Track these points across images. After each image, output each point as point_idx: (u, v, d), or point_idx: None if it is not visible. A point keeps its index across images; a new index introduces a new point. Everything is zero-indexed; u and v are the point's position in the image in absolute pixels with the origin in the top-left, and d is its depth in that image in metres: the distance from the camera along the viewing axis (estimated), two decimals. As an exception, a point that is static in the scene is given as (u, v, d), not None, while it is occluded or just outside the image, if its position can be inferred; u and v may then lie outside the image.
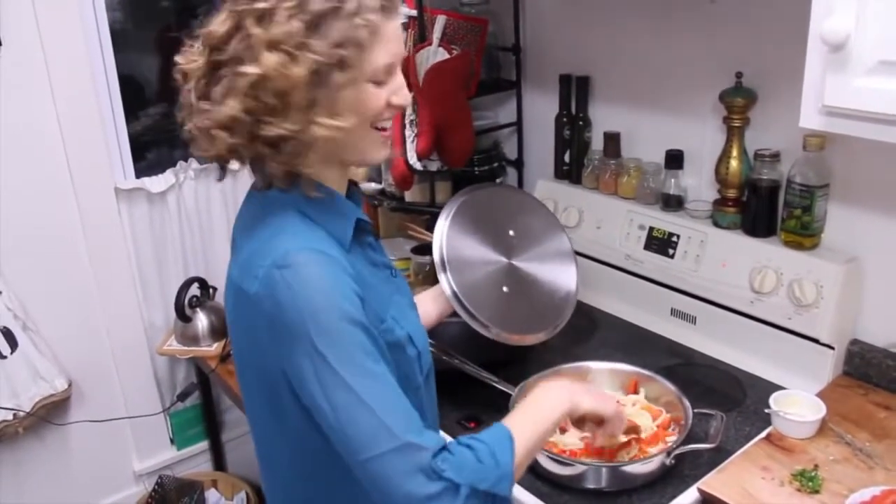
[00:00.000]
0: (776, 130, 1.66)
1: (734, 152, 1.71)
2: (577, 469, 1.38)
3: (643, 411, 1.53)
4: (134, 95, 2.23)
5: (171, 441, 2.46)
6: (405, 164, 2.04)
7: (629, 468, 1.38)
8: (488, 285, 1.53)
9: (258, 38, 0.93)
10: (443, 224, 1.54)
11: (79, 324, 2.18)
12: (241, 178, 2.26)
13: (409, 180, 2.09)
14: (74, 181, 2.07)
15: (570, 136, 2.11)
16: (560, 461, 1.39)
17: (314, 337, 0.94)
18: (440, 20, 2.01)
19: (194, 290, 2.23)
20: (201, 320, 2.21)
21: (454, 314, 1.50)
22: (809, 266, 1.60)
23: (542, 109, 2.19)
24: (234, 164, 1.07)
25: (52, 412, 2.14)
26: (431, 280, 2.26)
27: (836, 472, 1.36)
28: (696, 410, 1.46)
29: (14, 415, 2.03)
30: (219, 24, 0.96)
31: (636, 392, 1.59)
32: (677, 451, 1.38)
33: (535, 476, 1.42)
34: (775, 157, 1.65)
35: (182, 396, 2.39)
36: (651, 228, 1.88)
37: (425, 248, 2.27)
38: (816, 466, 1.37)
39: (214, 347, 2.19)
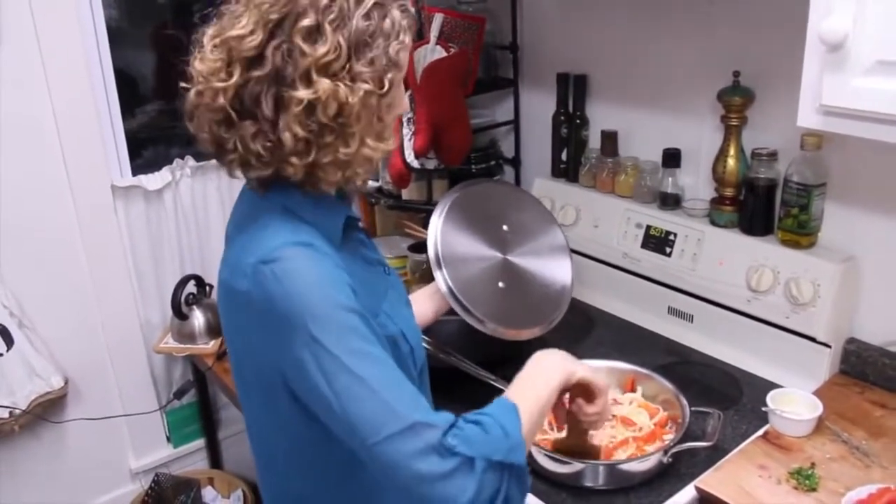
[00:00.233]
0: (773, 129, 1.66)
1: (731, 151, 1.71)
2: (574, 467, 1.38)
3: (640, 409, 1.53)
4: (130, 92, 2.22)
5: (168, 439, 2.46)
6: (402, 163, 2.04)
7: (626, 466, 1.38)
8: (484, 281, 1.53)
9: (311, 59, 0.92)
10: (437, 221, 1.54)
11: (75, 321, 2.17)
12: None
13: (406, 178, 2.09)
14: (71, 178, 2.06)
15: (567, 135, 2.11)
16: (558, 459, 1.39)
17: (310, 326, 0.93)
18: (437, 18, 2.01)
19: (191, 287, 2.22)
20: (198, 318, 2.21)
21: (450, 312, 1.50)
22: (806, 265, 1.60)
23: (539, 108, 2.19)
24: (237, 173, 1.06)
25: (48, 410, 2.14)
26: (428, 278, 2.25)
27: (832, 470, 1.37)
28: (693, 409, 1.46)
29: (10, 413, 2.03)
30: (245, 29, 0.94)
31: (633, 390, 1.59)
32: (674, 450, 1.38)
33: (533, 474, 1.41)
34: (773, 156, 1.66)
35: (178, 394, 2.38)
36: (648, 227, 1.89)
37: (422, 246, 2.26)
38: (813, 465, 1.37)
39: (211, 345, 2.19)
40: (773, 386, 1.60)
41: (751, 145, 1.69)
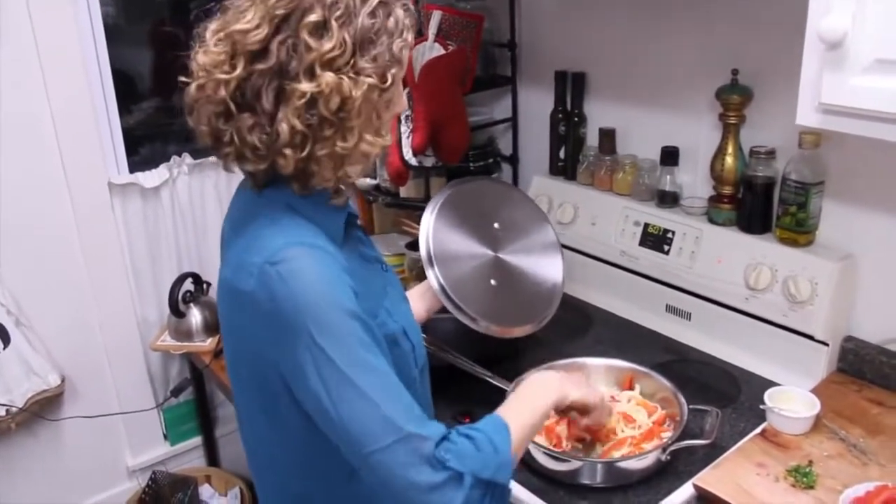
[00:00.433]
0: (772, 127, 1.66)
1: (730, 149, 1.71)
2: (572, 465, 1.38)
3: (638, 407, 1.53)
4: (127, 90, 2.22)
5: (165, 437, 2.45)
6: (400, 160, 2.04)
7: (624, 464, 1.38)
8: (476, 278, 1.54)
9: (316, 54, 0.93)
10: (429, 219, 1.54)
11: (72, 319, 2.17)
12: (235, 174, 2.25)
13: (404, 176, 2.08)
14: (68, 176, 2.06)
15: (565, 133, 2.11)
16: (555, 457, 1.39)
17: (313, 331, 0.94)
18: (436, 16, 2.01)
19: (188, 285, 2.22)
20: (195, 316, 2.21)
21: (443, 310, 1.50)
22: (804, 263, 1.61)
23: (537, 105, 2.19)
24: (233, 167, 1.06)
25: (45, 408, 2.14)
26: (426, 277, 2.26)
27: (830, 467, 1.37)
28: (691, 406, 1.46)
29: (7, 410, 2.02)
30: (250, 24, 0.94)
31: (631, 388, 1.59)
32: (672, 447, 1.38)
33: (531, 472, 1.42)
34: (771, 154, 1.66)
35: (175, 392, 2.38)
36: (646, 225, 1.89)
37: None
38: (811, 462, 1.38)
39: (208, 343, 2.18)
40: (771, 384, 1.60)
41: (749, 143, 1.69)
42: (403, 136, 2.02)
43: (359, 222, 1.17)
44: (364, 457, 0.95)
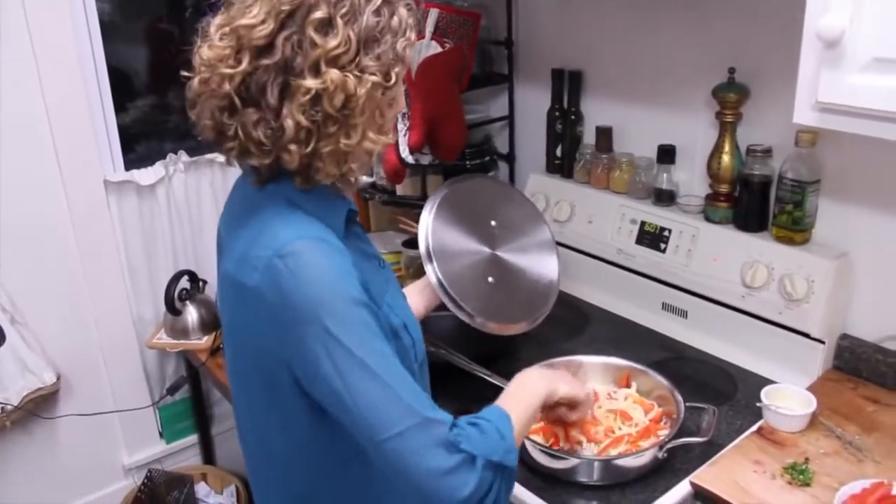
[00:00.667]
0: (768, 126, 1.67)
1: (726, 147, 1.71)
2: (569, 462, 1.38)
3: (635, 405, 1.53)
4: (123, 87, 2.21)
5: (161, 435, 2.45)
6: (397, 158, 2.04)
7: (621, 462, 1.38)
8: (473, 276, 1.54)
9: (322, 51, 0.93)
10: (427, 216, 1.55)
11: (67, 317, 2.16)
12: (231, 171, 2.24)
13: (400, 174, 2.08)
14: (63, 174, 2.05)
15: (561, 131, 2.11)
16: (553, 454, 1.39)
17: (325, 320, 0.94)
18: (433, 13, 2.01)
19: (184, 283, 2.22)
20: (191, 313, 2.20)
21: (440, 307, 1.50)
22: (800, 261, 1.61)
23: (534, 103, 2.19)
24: (222, 156, 1.06)
25: (40, 406, 2.13)
26: (422, 273, 2.26)
27: (826, 465, 1.38)
28: (687, 404, 1.46)
29: (2, 409, 2.02)
30: (256, 19, 0.94)
31: (628, 386, 1.60)
32: (669, 445, 1.39)
33: (528, 470, 1.42)
34: (767, 152, 1.66)
35: (171, 390, 2.37)
36: (643, 223, 1.89)
37: (416, 242, 2.26)
38: (807, 459, 1.38)
39: (204, 341, 2.18)
40: (767, 381, 1.60)
41: (745, 142, 1.70)
42: (400, 134, 2.02)
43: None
44: (379, 443, 0.95)
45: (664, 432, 1.45)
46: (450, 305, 1.48)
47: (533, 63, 2.19)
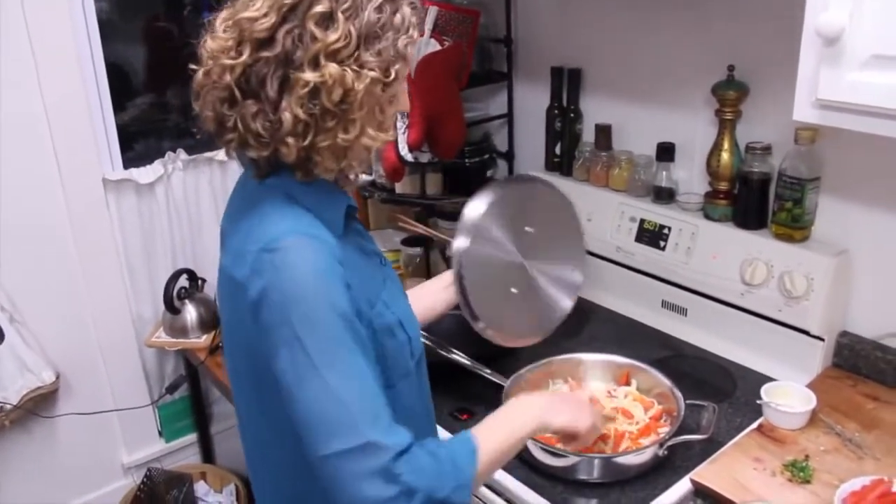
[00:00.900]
0: (768, 123, 1.67)
1: (726, 145, 1.71)
2: (570, 460, 1.38)
3: (635, 403, 1.54)
4: (121, 85, 2.21)
5: (160, 433, 2.45)
6: (396, 156, 2.04)
7: (622, 459, 1.39)
8: (498, 280, 1.46)
9: (321, 45, 0.93)
10: (474, 212, 1.42)
11: (66, 316, 2.16)
12: (230, 169, 2.25)
13: (400, 172, 2.08)
14: (62, 172, 2.05)
15: (561, 129, 2.11)
16: (553, 452, 1.39)
17: (296, 323, 0.94)
18: (432, 11, 2.00)
19: (183, 281, 2.22)
20: (190, 312, 2.20)
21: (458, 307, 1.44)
22: (800, 258, 1.61)
23: (533, 101, 2.19)
24: (221, 154, 1.06)
25: (39, 405, 2.13)
26: (422, 272, 2.26)
27: (826, 462, 1.38)
28: (687, 402, 1.47)
29: (1, 408, 2.02)
30: (258, 12, 0.95)
31: (628, 384, 1.60)
32: (670, 443, 1.39)
33: (529, 467, 1.42)
34: (767, 149, 1.66)
35: (171, 389, 2.37)
36: (642, 221, 1.89)
37: (416, 240, 2.27)
38: (807, 457, 1.38)
39: (203, 339, 2.18)
40: (767, 379, 1.60)
41: (745, 139, 1.70)
42: (399, 132, 2.02)
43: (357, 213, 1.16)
44: (319, 459, 0.94)
45: (664, 430, 1.46)
46: (460, 301, 1.40)
47: (532, 61, 2.19)
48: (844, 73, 1.11)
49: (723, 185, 1.75)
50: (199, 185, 2.28)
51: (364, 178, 2.29)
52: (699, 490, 1.35)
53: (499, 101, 2.31)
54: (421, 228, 2.13)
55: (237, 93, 0.97)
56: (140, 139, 2.29)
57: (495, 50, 2.25)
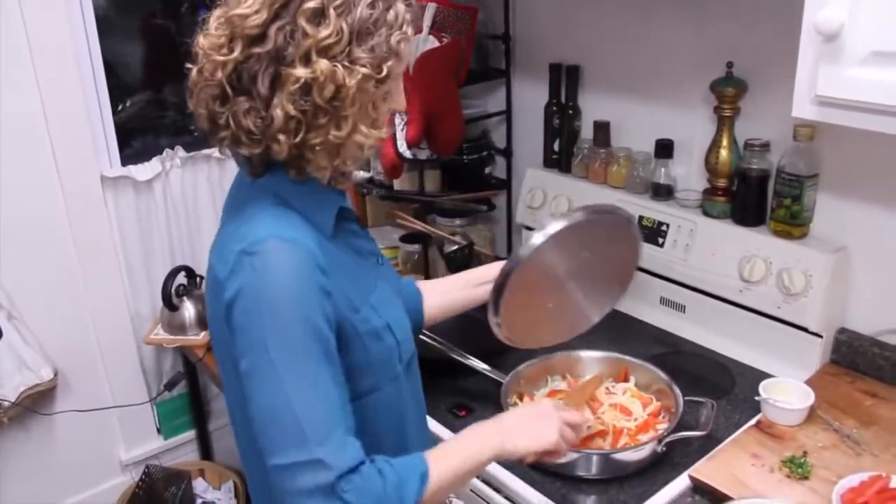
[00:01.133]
0: (766, 120, 1.66)
1: (724, 142, 1.71)
2: (568, 457, 1.38)
3: (634, 399, 1.54)
4: (119, 83, 2.20)
5: (158, 430, 2.45)
6: (394, 153, 2.04)
7: (620, 456, 1.39)
8: (537, 292, 1.41)
9: (313, 41, 0.93)
10: (563, 222, 1.34)
11: (65, 313, 2.16)
12: (228, 166, 2.24)
13: (398, 169, 2.08)
14: (60, 169, 2.04)
15: (559, 125, 2.11)
16: (552, 449, 1.39)
17: (265, 329, 0.95)
18: (430, 8, 2.01)
19: (181, 278, 2.21)
20: (188, 309, 2.20)
21: (480, 307, 1.40)
22: (798, 255, 1.61)
23: (531, 98, 2.19)
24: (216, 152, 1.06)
25: (37, 402, 2.13)
26: (420, 268, 2.26)
27: (824, 458, 1.38)
28: (686, 398, 1.47)
29: (-1, 405, 2.02)
30: (250, 9, 0.94)
31: (626, 380, 1.60)
32: (668, 439, 1.39)
33: (528, 464, 1.42)
34: (765, 146, 1.66)
35: (169, 386, 2.37)
36: (640, 217, 1.89)
37: (414, 237, 2.27)
38: (805, 453, 1.38)
39: (201, 336, 2.18)
40: (765, 375, 1.61)
41: (743, 136, 1.70)
42: (398, 129, 2.02)
43: (355, 215, 1.16)
44: (269, 468, 0.96)
45: (663, 426, 1.46)
46: (492, 294, 1.35)
47: (530, 58, 2.19)
48: (843, 69, 1.10)
49: (721, 182, 1.75)
50: (197, 182, 2.28)
51: (362, 174, 2.29)
52: (697, 486, 1.35)
53: (497, 98, 2.30)
54: (419, 225, 2.13)
55: (229, 90, 0.97)
56: (138, 136, 2.29)
57: (493, 46, 2.25)
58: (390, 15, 0.98)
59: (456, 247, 2.04)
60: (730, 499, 1.27)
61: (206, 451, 2.52)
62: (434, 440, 1.38)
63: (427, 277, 2.18)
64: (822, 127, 1.50)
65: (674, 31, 1.81)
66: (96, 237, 2.15)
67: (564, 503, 1.34)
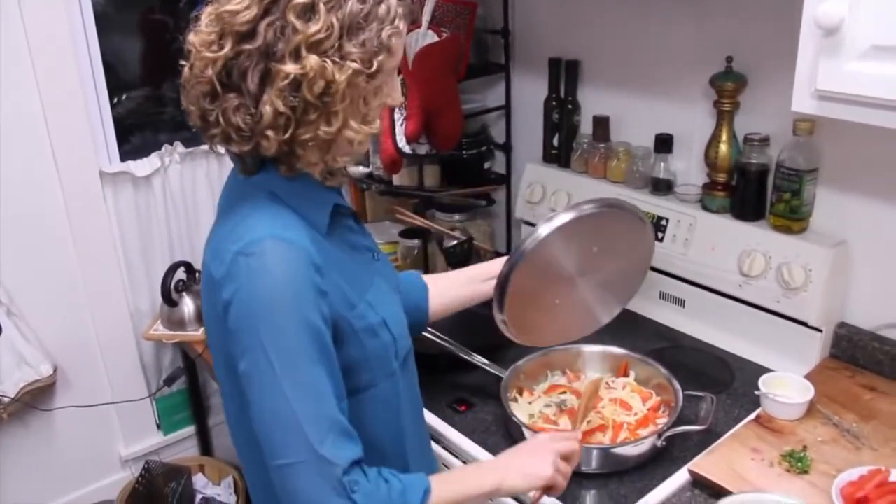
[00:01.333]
0: (766, 114, 1.66)
1: (724, 136, 1.71)
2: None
3: (633, 394, 1.54)
4: (117, 78, 2.20)
5: (158, 426, 2.45)
6: (394, 148, 2.03)
7: (620, 450, 1.39)
8: (542, 287, 1.40)
9: (302, 37, 0.92)
10: (569, 214, 1.33)
11: (64, 309, 2.16)
12: (227, 161, 2.24)
13: (397, 164, 2.08)
14: (59, 165, 2.04)
15: (558, 120, 2.11)
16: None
17: (263, 331, 0.95)
18: (429, 3, 2.00)
19: (180, 274, 2.21)
20: (187, 305, 2.20)
21: (484, 303, 1.40)
22: (798, 250, 1.61)
23: (530, 93, 2.18)
24: (219, 148, 1.06)
25: (37, 398, 2.13)
26: (420, 264, 2.26)
27: (824, 452, 1.38)
28: (685, 393, 1.47)
29: (-1, 401, 2.02)
30: (240, 5, 0.94)
31: (626, 375, 1.60)
32: (668, 434, 1.39)
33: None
34: (765, 141, 1.66)
35: (168, 381, 2.37)
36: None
37: (413, 232, 2.26)
38: (805, 447, 1.38)
39: (201, 332, 2.17)
40: (765, 370, 1.61)
41: (743, 130, 1.70)
42: (397, 124, 2.01)
43: (352, 210, 1.15)
44: (274, 469, 0.97)
45: (662, 421, 1.46)
46: (497, 288, 1.34)
47: (529, 52, 2.19)
48: (843, 63, 1.10)
49: (721, 177, 1.75)
50: (196, 178, 2.28)
51: (361, 169, 2.29)
52: (697, 480, 1.36)
53: (496, 93, 2.30)
54: (419, 220, 2.13)
55: (219, 87, 0.96)
56: (137, 132, 2.28)
57: (493, 41, 2.24)
58: (381, 9, 0.97)
59: (455, 242, 2.04)
60: (729, 493, 1.27)
61: (205, 447, 2.53)
62: (431, 435, 1.38)
63: (427, 272, 2.18)
64: (821, 121, 1.50)
65: (673, 26, 1.81)
66: (95, 233, 2.15)
67: (564, 498, 1.34)
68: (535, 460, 1.17)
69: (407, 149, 2.04)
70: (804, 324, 1.62)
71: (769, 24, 1.59)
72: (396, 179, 2.23)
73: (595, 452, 1.38)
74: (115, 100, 2.20)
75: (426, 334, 1.61)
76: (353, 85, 0.97)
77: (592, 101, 2.06)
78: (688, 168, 1.87)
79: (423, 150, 2.09)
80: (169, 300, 2.17)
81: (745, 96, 1.69)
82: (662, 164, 1.86)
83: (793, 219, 1.63)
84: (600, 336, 1.68)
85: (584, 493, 1.37)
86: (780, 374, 1.55)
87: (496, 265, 1.37)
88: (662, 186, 1.87)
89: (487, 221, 2.39)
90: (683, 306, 1.84)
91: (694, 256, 1.78)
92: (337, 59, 0.94)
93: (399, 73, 1.08)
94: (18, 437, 2.17)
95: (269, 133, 0.96)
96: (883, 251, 1.57)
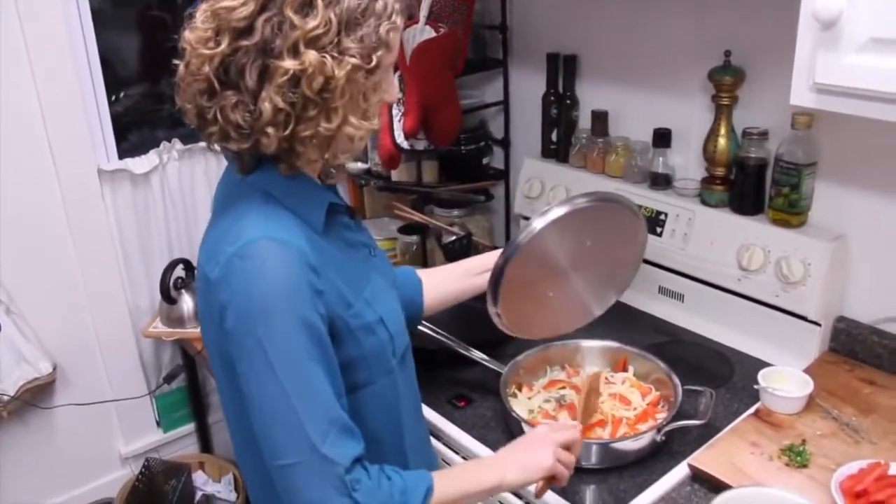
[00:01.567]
0: (764, 108, 1.66)
1: (722, 130, 1.71)
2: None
3: (633, 389, 1.54)
4: (115, 75, 2.19)
5: (158, 424, 2.45)
6: (392, 144, 2.03)
7: (620, 445, 1.39)
8: (536, 279, 1.41)
9: (300, 32, 0.92)
10: (563, 208, 1.34)
11: (63, 307, 2.16)
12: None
13: (396, 159, 2.08)
14: (57, 163, 2.04)
15: (557, 115, 2.10)
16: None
17: (261, 332, 0.95)
18: (427, -2, 2.00)
19: (179, 271, 2.21)
20: (186, 302, 2.20)
21: (478, 297, 1.41)
22: (797, 244, 1.61)
23: (528, 88, 2.18)
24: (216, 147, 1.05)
25: (36, 396, 2.13)
26: (418, 260, 2.26)
27: (823, 446, 1.38)
28: (685, 387, 1.47)
29: (-2, 399, 2.02)
30: (237, 1, 0.93)
31: (625, 370, 1.60)
32: (667, 428, 1.39)
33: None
34: (763, 135, 1.66)
35: (168, 379, 2.37)
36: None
37: (412, 228, 2.26)
38: (804, 441, 1.38)
39: (200, 329, 2.17)
40: (764, 364, 1.61)
41: (741, 125, 1.69)
42: (395, 120, 2.01)
43: (348, 207, 1.15)
44: (276, 469, 0.97)
45: (662, 415, 1.46)
46: (491, 282, 1.35)
47: (527, 47, 2.18)
48: (842, 56, 1.10)
49: (719, 171, 1.75)
50: (194, 175, 2.28)
51: (360, 165, 2.28)
52: (697, 475, 1.36)
53: (494, 88, 2.30)
54: (417, 216, 2.13)
55: (216, 84, 0.96)
56: (135, 129, 2.28)
57: (490, 37, 2.24)
58: (379, 4, 0.97)
59: (454, 237, 2.04)
60: (729, 487, 1.27)
61: (205, 444, 2.53)
62: (430, 431, 1.38)
63: (425, 268, 2.18)
64: (820, 115, 1.50)
65: (671, 20, 1.80)
66: (94, 231, 2.15)
67: (564, 493, 1.34)
68: (535, 453, 1.17)
69: (405, 144, 2.04)
70: (803, 318, 1.62)
71: (767, 18, 1.59)
72: (395, 175, 2.23)
73: (594, 447, 1.38)
74: (113, 97, 2.20)
75: (425, 330, 1.61)
76: (353, 81, 0.96)
77: (591, 96, 2.05)
78: (686, 162, 1.87)
79: (421, 145, 2.09)
80: (168, 297, 2.17)
81: (743, 90, 1.69)
82: (661, 158, 1.86)
83: (791, 213, 1.63)
84: (599, 331, 1.68)
85: (583, 488, 1.37)
86: (780, 368, 1.55)
87: (491, 258, 1.38)
88: (661, 181, 1.87)
89: (486, 217, 2.38)
90: (682, 301, 1.84)
91: (693, 251, 1.78)
92: (336, 55, 0.94)
93: (396, 69, 1.08)
94: (18, 436, 2.17)
95: (269, 130, 0.95)
96: (882, 245, 1.57)
